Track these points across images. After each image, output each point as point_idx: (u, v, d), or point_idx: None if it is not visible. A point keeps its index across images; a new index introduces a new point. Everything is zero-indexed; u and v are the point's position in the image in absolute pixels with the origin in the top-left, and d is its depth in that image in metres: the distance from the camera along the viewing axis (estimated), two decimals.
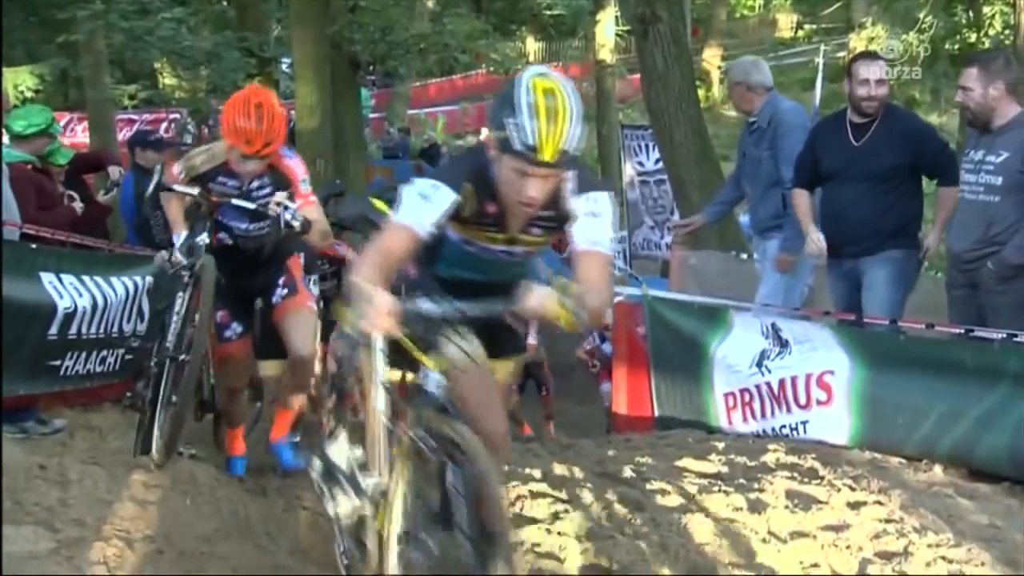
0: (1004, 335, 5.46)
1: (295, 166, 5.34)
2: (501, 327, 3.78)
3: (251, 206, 5.18)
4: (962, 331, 5.67)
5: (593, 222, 3.42)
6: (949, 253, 6.04)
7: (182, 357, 5.05)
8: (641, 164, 14.58)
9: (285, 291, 5.55)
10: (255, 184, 5.26)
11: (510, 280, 3.64)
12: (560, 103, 3.17)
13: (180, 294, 5.23)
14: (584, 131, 3.27)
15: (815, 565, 4.15)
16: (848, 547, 4.35)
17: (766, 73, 7.10)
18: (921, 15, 19.72)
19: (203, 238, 5.25)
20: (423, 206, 3.32)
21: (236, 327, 5.56)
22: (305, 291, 5.66)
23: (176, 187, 5.28)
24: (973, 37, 18.65)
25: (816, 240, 6.09)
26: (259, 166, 5.12)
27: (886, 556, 4.27)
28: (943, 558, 4.24)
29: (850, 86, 6.23)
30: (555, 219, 3.55)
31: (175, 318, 5.17)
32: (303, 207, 5.15)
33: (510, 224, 3.55)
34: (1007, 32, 16.89)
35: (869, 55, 6.75)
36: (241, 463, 5.68)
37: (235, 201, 5.16)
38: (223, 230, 5.40)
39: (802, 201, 6.36)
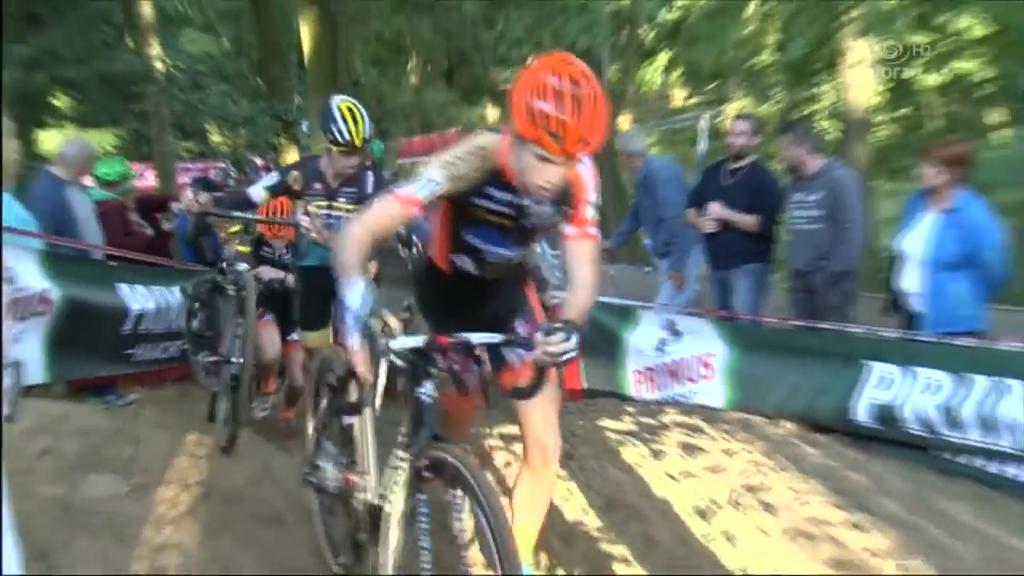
0: (834, 326, 5.57)
1: (587, 175, 2.76)
2: None
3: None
4: (804, 324, 5.76)
5: None
6: (790, 268, 6.12)
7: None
8: None
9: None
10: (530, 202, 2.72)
11: None
12: None
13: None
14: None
15: (699, 496, 4.20)
16: (723, 483, 4.40)
17: (639, 141, 7.15)
18: (773, 92, 19.97)
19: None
20: None
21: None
22: None
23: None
24: (811, 108, 18.87)
25: (710, 214, 6.17)
26: (560, 176, 2.51)
27: (751, 488, 4.32)
28: (791, 489, 4.32)
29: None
30: None
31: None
32: (572, 240, 2.75)
33: None
34: (835, 104, 17.10)
35: (740, 116, 6.84)
36: None
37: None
38: (466, 253, 2.92)
39: (692, 212, 6.41)
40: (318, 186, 4.78)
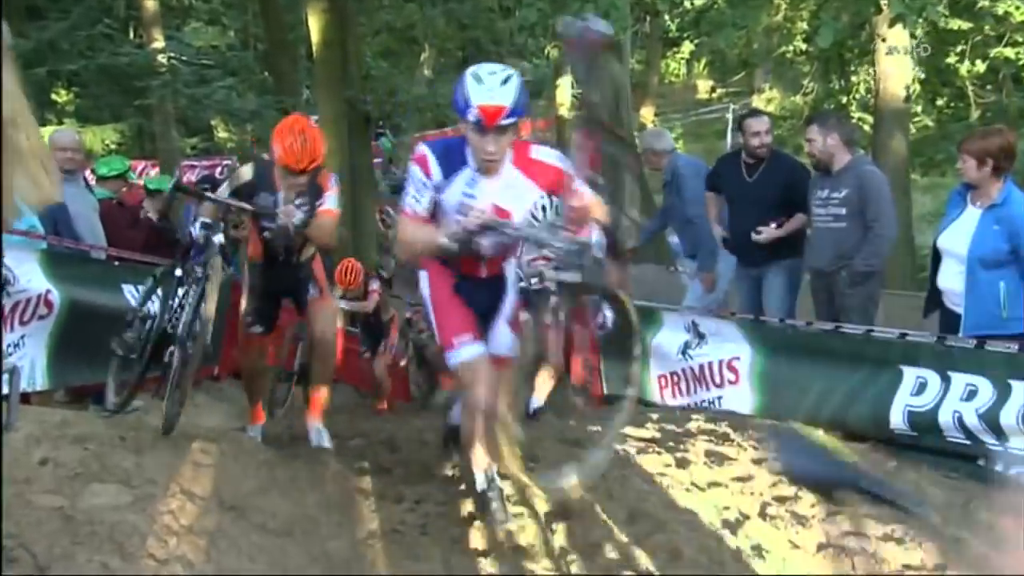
0: (864, 330, 5.51)
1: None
2: None
3: None
4: (832, 327, 5.70)
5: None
6: (810, 268, 6.10)
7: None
8: None
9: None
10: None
11: None
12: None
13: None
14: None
15: (727, 508, 4.17)
16: (752, 493, 4.37)
17: (666, 139, 7.21)
18: (805, 82, 19.86)
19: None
20: None
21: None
22: None
23: None
24: (844, 99, 18.75)
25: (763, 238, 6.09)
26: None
27: (781, 499, 4.29)
28: (824, 500, 4.29)
29: (743, 137, 6.32)
30: None
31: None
32: None
33: None
34: (869, 95, 16.99)
35: (755, 112, 6.84)
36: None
37: None
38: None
39: (712, 206, 6.50)
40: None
